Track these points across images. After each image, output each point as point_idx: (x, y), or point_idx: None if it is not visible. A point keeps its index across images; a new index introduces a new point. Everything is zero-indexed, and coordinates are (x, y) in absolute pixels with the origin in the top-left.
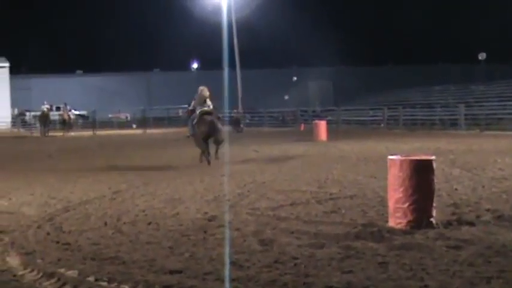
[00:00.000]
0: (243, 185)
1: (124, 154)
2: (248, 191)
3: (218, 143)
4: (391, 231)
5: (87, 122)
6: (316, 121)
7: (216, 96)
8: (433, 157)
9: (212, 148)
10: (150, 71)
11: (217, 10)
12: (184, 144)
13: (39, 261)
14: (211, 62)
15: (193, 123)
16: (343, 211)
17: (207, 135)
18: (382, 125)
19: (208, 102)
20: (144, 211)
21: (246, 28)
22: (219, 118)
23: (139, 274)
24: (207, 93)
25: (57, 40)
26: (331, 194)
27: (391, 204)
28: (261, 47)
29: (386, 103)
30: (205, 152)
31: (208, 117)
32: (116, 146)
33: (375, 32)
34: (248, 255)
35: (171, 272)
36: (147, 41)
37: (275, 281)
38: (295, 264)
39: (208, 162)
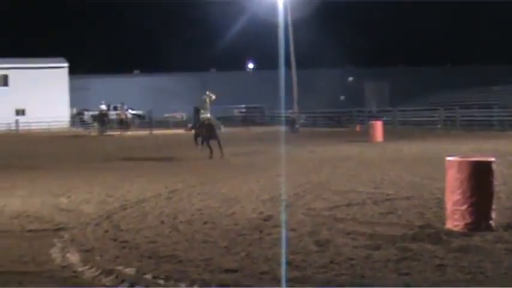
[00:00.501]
0: (298, 185)
1: (180, 153)
2: (304, 191)
3: (217, 138)
4: (449, 233)
5: (143, 121)
6: (372, 122)
7: (271, 96)
8: (493, 159)
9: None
10: (206, 71)
11: (274, 10)
12: (240, 144)
13: (97, 258)
14: (267, 62)
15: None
16: (399, 212)
17: (208, 134)
18: (438, 125)
19: (209, 106)
20: (200, 210)
21: (302, 27)
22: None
23: (195, 273)
24: (211, 99)
25: (114, 40)
26: (387, 195)
27: (448, 206)
28: (317, 47)
29: (444, 104)
30: (199, 145)
31: (208, 120)
32: (172, 146)
33: (434, 32)
34: (304, 256)
35: (227, 271)
36: (203, 41)
37: (331, 281)
38: (351, 265)
39: (198, 146)
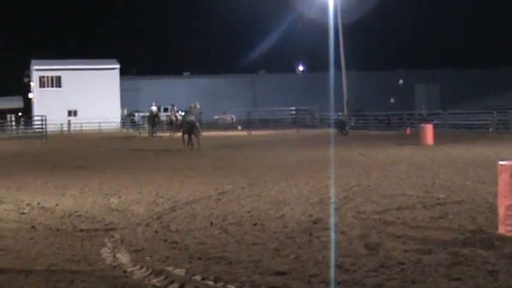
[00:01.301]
0: (348, 188)
1: (229, 155)
2: (353, 194)
3: (196, 135)
4: (501, 238)
5: None
6: (423, 125)
7: (320, 98)
8: None
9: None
10: (256, 73)
11: (324, 12)
12: (289, 147)
13: (147, 258)
14: (317, 65)
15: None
16: (450, 217)
17: (188, 131)
18: (490, 129)
19: (194, 112)
20: (249, 212)
21: (352, 30)
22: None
23: (245, 274)
24: (195, 108)
25: (165, 42)
26: (438, 199)
27: (501, 211)
28: (367, 50)
29: (496, 107)
30: (185, 141)
31: (190, 121)
32: (221, 147)
33: (485, 34)
34: (354, 259)
35: (277, 274)
36: (253, 43)
37: (381, 285)
38: (401, 270)
39: (185, 143)
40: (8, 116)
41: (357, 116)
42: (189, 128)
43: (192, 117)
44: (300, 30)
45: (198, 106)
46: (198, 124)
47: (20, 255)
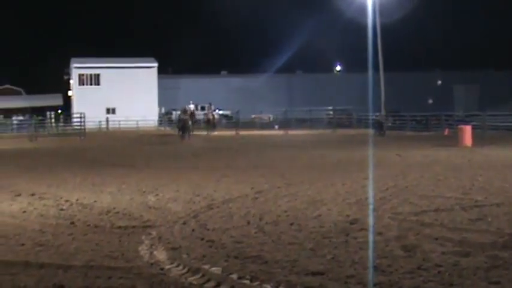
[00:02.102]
0: (385, 189)
1: (266, 154)
2: (390, 195)
3: (188, 131)
4: None
5: (230, 122)
6: (461, 126)
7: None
8: None
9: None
10: (293, 72)
11: (362, 12)
12: (326, 147)
13: (184, 256)
14: (355, 65)
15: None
16: (489, 219)
17: (182, 128)
18: None
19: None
20: (286, 212)
21: (390, 30)
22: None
23: (281, 274)
24: (188, 111)
25: (203, 41)
26: (476, 201)
27: None
28: (405, 50)
29: None
30: (180, 135)
31: (183, 120)
32: (258, 147)
33: None
34: (391, 260)
35: (313, 274)
36: (290, 43)
37: (418, 287)
38: (439, 272)
39: (182, 139)
40: (48, 113)
41: (395, 116)
42: (181, 125)
43: (186, 116)
44: (338, 30)
45: (192, 108)
46: (190, 123)
47: (59, 250)
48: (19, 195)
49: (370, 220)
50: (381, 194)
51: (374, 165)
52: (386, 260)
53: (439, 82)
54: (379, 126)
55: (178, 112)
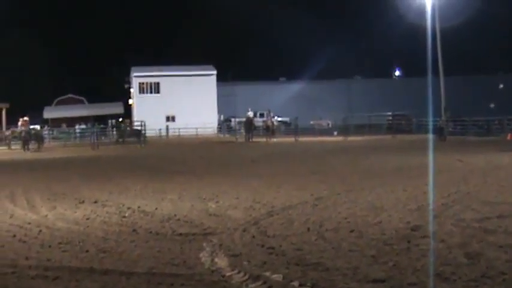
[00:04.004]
0: (447, 195)
1: (325, 161)
2: (452, 202)
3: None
4: None
5: (289, 128)
6: None
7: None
8: None
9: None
10: (351, 78)
11: (422, 16)
12: (385, 152)
13: (245, 263)
14: (414, 69)
15: None
16: None
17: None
18: None
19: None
20: (346, 218)
21: (450, 34)
22: None
23: (342, 281)
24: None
25: (261, 48)
26: None
27: None
28: (466, 53)
29: None
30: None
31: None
32: (318, 153)
33: None
34: (454, 268)
35: (374, 281)
36: (348, 48)
37: None
38: (503, 280)
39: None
40: (110, 121)
41: (455, 121)
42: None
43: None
44: (397, 34)
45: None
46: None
47: (122, 257)
48: (82, 202)
49: (432, 227)
50: (443, 200)
51: (435, 170)
52: (449, 267)
53: (501, 86)
54: (439, 131)
55: (238, 120)
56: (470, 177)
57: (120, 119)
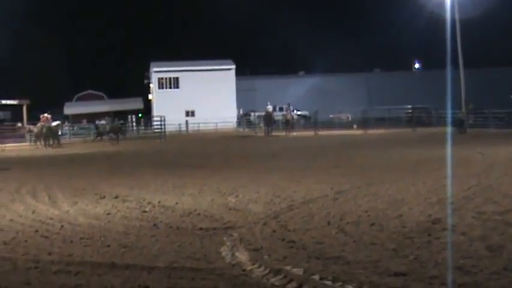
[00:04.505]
0: (467, 187)
1: (345, 154)
2: (473, 194)
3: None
4: None
5: (309, 122)
6: None
7: (437, 96)
8: None
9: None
10: (371, 71)
11: (441, 8)
12: (405, 145)
13: (266, 257)
14: (434, 62)
15: None
16: None
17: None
18: None
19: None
20: (366, 212)
21: (470, 25)
22: None
23: (363, 275)
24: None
25: (279, 41)
26: None
27: None
28: (486, 45)
29: None
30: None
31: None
32: (337, 146)
33: None
34: (475, 261)
35: (396, 274)
36: (367, 41)
37: None
38: None
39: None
40: (129, 116)
41: (475, 113)
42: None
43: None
44: (416, 27)
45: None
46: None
47: (143, 252)
48: (103, 197)
49: (453, 220)
50: (464, 193)
51: (455, 163)
52: (470, 260)
53: None
54: (459, 124)
55: (257, 114)
56: (491, 169)
57: (102, 120)
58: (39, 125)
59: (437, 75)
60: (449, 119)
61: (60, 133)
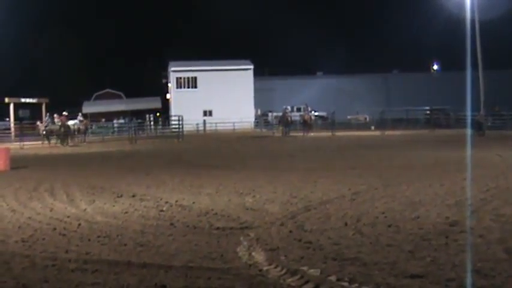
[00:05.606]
0: (485, 190)
1: (363, 155)
2: (491, 196)
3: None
4: None
5: (326, 122)
6: None
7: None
8: None
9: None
10: (389, 72)
11: (461, 9)
12: (423, 147)
13: (282, 258)
14: (452, 63)
15: None
16: None
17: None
18: None
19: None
20: (383, 213)
21: (489, 27)
22: None
23: (380, 276)
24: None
25: (298, 42)
26: None
27: None
28: (505, 47)
29: None
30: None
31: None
32: (355, 147)
33: None
34: (493, 264)
35: (412, 276)
36: (385, 42)
37: None
38: None
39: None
40: (147, 116)
41: (494, 115)
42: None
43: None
44: (435, 28)
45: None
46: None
47: (160, 251)
48: (121, 196)
49: (471, 222)
50: (482, 195)
51: (473, 165)
52: (488, 263)
53: None
54: (478, 125)
55: (275, 114)
56: (510, 172)
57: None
58: (57, 123)
59: (456, 76)
60: (468, 121)
61: (87, 130)
